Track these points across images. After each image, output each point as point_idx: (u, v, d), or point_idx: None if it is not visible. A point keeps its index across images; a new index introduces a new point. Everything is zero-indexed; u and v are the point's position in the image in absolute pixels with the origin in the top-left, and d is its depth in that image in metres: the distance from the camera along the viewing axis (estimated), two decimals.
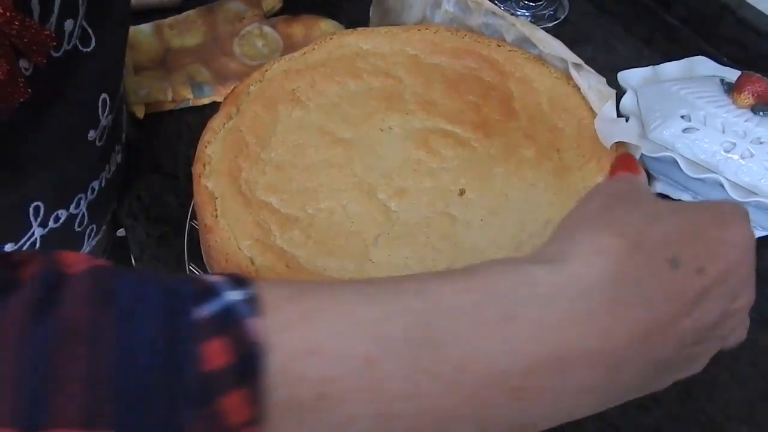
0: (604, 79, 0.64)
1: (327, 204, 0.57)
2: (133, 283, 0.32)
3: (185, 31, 0.91)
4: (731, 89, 0.73)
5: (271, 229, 0.55)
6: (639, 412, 0.60)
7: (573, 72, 0.63)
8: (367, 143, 0.61)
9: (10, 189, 0.55)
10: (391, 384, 0.32)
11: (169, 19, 0.92)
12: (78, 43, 0.53)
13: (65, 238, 0.64)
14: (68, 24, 0.51)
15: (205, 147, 0.60)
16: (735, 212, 0.39)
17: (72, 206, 0.62)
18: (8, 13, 0.44)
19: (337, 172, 0.59)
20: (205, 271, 0.62)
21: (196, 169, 0.59)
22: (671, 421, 0.60)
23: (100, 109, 0.61)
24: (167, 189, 0.79)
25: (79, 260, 0.32)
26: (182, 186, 0.79)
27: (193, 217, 0.66)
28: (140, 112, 0.85)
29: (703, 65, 0.82)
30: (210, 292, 0.32)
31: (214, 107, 0.86)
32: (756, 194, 0.68)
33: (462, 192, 0.58)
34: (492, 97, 0.64)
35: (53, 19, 0.49)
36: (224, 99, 0.64)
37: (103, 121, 0.62)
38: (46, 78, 0.50)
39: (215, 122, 0.62)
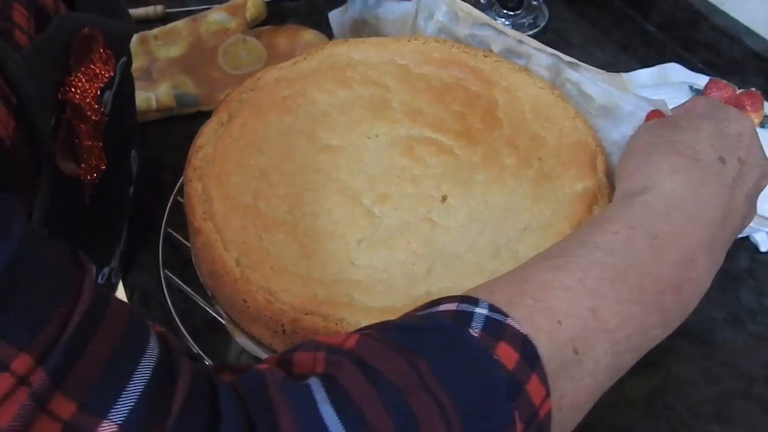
0: (601, 70, 0.67)
1: (312, 208, 0.58)
2: (400, 330, 0.39)
3: (170, 42, 0.92)
4: (700, 95, 0.75)
5: (257, 232, 0.56)
6: (610, 411, 0.61)
7: (572, 73, 0.65)
8: (353, 150, 0.63)
9: None
10: (609, 321, 0.42)
11: (155, 30, 0.93)
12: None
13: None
14: (107, 95, 0.53)
15: (197, 152, 0.61)
16: (735, 111, 0.55)
17: (113, 261, 0.64)
18: (98, 106, 0.48)
19: (323, 178, 0.60)
20: (179, 276, 0.64)
21: (187, 172, 0.60)
22: (642, 420, 0.61)
23: (132, 166, 0.65)
24: (152, 197, 0.79)
25: (339, 338, 0.38)
26: (166, 194, 0.79)
27: (168, 224, 0.67)
28: None
29: (674, 72, 0.83)
30: (465, 315, 0.39)
31: (199, 116, 0.87)
32: None
33: (444, 198, 0.59)
34: (476, 106, 0.66)
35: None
36: (217, 106, 0.66)
37: (135, 174, 0.65)
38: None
39: (207, 128, 0.63)
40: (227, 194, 0.58)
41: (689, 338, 0.67)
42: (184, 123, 0.87)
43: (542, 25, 0.99)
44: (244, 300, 0.53)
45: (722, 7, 0.92)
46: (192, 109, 0.88)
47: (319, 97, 0.66)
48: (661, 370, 0.64)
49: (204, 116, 0.87)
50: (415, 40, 0.71)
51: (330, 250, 0.56)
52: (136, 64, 0.89)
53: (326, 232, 0.57)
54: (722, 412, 0.61)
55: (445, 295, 0.50)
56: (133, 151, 0.65)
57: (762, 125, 0.72)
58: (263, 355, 0.56)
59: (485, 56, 0.69)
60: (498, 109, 0.66)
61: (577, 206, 0.57)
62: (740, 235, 0.72)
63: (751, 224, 0.67)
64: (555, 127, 0.63)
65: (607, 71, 0.83)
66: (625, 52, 0.97)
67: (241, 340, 0.57)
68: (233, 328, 0.57)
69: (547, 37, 0.99)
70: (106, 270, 0.62)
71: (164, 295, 0.70)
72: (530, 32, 0.98)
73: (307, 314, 0.51)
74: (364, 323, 0.49)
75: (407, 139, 0.63)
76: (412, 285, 0.53)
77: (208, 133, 0.63)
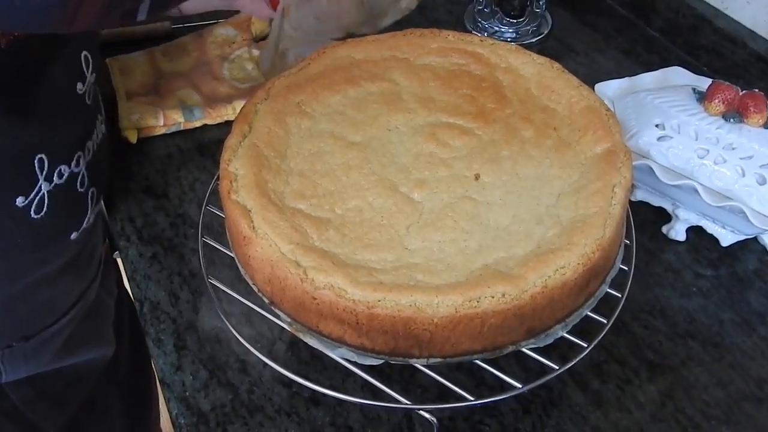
0: None
1: (354, 203, 0.60)
2: None
3: (176, 57, 0.92)
4: (702, 98, 0.75)
5: (308, 232, 0.57)
6: (621, 414, 0.63)
7: None
8: (378, 143, 0.65)
9: (13, 135, 0.59)
10: None
11: (161, 46, 0.94)
12: None
13: (70, 197, 0.67)
14: None
15: (227, 165, 0.62)
16: None
17: (73, 164, 0.65)
18: None
19: (356, 173, 0.62)
20: (224, 282, 0.64)
21: (223, 186, 0.61)
22: (653, 423, 0.63)
23: (83, 65, 0.65)
24: (158, 210, 0.80)
25: None
26: (173, 206, 0.80)
27: (205, 233, 0.67)
28: (133, 137, 0.86)
29: (678, 75, 0.85)
30: None
31: (205, 130, 0.88)
32: (730, 199, 0.71)
33: (477, 176, 0.62)
34: (484, 88, 0.69)
35: None
36: (235, 118, 0.66)
37: (89, 78, 0.66)
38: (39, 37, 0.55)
39: (231, 141, 0.64)
40: (269, 201, 0.59)
41: (698, 341, 0.68)
42: (190, 136, 0.88)
43: (545, 32, 1.01)
44: (313, 298, 0.54)
45: (725, 11, 0.93)
46: (197, 123, 0.88)
47: (332, 98, 0.68)
48: (670, 373, 0.66)
49: (210, 129, 0.88)
50: (411, 33, 0.73)
51: (382, 239, 0.57)
52: (143, 80, 0.89)
53: (374, 223, 0.58)
54: (732, 415, 0.63)
55: (502, 267, 0.54)
56: (85, 52, 0.65)
57: (766, 126, 0.73)
58: (332, 353, 0.57)
59: (481, 41, 0.72)
60: (504, 89, 0.69)
61: (603, 165, 0.60)
62: (747, 236, 0.72)
63: (759, 225, 0.68)
64: (562, 98, 0.67)
65: (612, 77, 0.84)
66: (628, 57, 0.98)
67: (309, 339, 0.58)
68: (297, 329, 0.58)
69: (550, 44, 1.00)
70: (63, 168, 0.64)
71: (173, 306, 0.70)
72: (534, 39, 0.99)
73: (379, 301, 0.52)
74: (437, 302, 0.52)
75: (427, 127, 0.66)
76: (469, 260, 0.56)
77: (233, 145, 0.63)
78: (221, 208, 0.62)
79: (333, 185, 0.61)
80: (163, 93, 0.88)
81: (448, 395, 0.57)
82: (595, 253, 0.54)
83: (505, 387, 0.57)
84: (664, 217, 0.78)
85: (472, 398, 0.56)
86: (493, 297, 0.52)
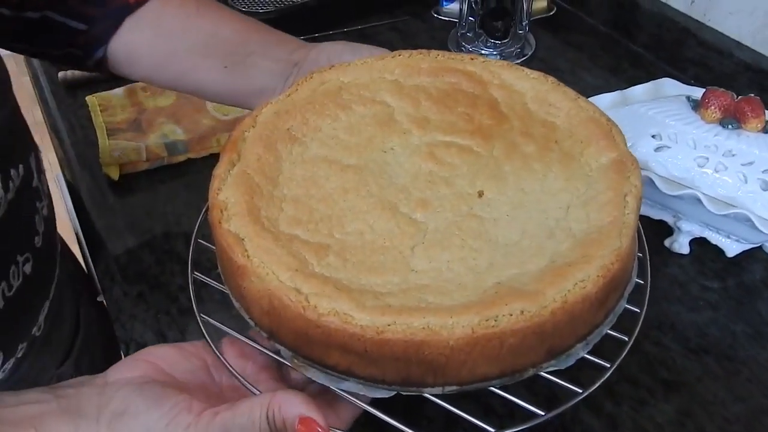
0: None
1: (354, 226, 0.57)
2: None
3: (158, 93, 0.91)
4: (698, 106, 0.75)
5: (307, 259, 0.55)
6: None
7: None
8: (374, 165, 0.63)
9: None
10: None
11: (142, 82, 0.92)
12: None
13: None
14: None
15: (217, 194, 0.59)
16: None
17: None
18: None
19: (354, 196, 0.60)
20: (214, 317, 0.60)
21: (214, 216, 0.58)
22: None
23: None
24: (143, 247, 0.78)
25: None
26: (159, 243, 0.78)
27: (194, 268, 0.64)
28: (114, 174, 0.84)
29: (668, 86, 0.85)
30: None
31: (189, 164, 0.86)
32: (734, 206, 0.69)
33: (481, 194, 0.60)
34: (479, 105, 0.67)
35: None
36: (223, 147, 0.64)
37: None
38: None
39: (220, 170, 0.61)
40: (263, 228, 0.56)
41: (712, 356, 0.66)
42: (175, 171, 0.86)
43: (529, 53, 1.01)
44: (317, 327, 0.51)
45: (708, 23, 0.93)
46: (182, 157, 0.87)
47: (323, 123, 0.66)
48: (686, 391, 0.64)
49: (194, 163, 0.86)
50: (399, 55, 0.72)
51: (386, 261, 0.55)
52: (124, 116, 0.88)
53: (376, 245, 0.56)
54: (754, 430, 0.61)
55: (516, 283, 0.51)
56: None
57: (764, 131, 0.72)
58: (336, 387, 0.54)
59: (471, 59, 0.71)
60: (500, 105, 0.67)
61: (612, 174, 0.59)
62: (753, 245, 0.71)
63: (766, 232, 0.66)
64: (561, 111, 0.66)
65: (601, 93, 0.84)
66: (615, 74, 0.98)
67: (312, 374, 0.54)
68: (299, 364, 0.54)
69: (535, 65, 1.00)
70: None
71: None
72: (518, 61, 0.99)
73: (389, 326, 0.49)
74: (452, 323, 0.49)
75: (424, 146, 0.64)
76: (480, 278, 0.53)
77: (222, 174, 0.61)
78: (211, 242, 0.59)
79: (330, 209, 0.58)
80: (146, 129, 0.87)
81: (456, 425, 0.54)
82: (614, 264, 0.52)
83: (515, 412, 0.54)
84: (666, 230, 0.77)
85: (492, 429, 0.52)
86: (511, 315, 0.49)
